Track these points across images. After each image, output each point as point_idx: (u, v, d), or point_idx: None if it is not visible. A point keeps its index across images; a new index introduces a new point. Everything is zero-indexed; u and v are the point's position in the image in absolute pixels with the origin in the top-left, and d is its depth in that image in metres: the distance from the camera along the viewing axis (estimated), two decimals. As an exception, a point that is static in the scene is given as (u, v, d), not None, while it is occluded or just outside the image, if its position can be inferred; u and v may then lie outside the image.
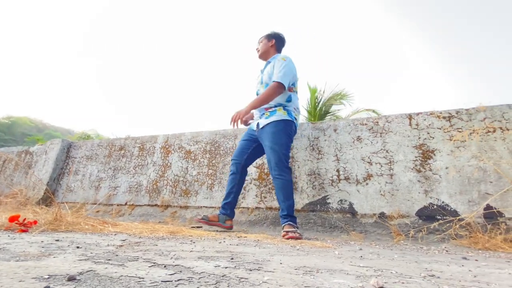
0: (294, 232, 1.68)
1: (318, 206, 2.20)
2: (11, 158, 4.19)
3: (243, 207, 2.43)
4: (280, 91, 1.95)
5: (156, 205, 2.82)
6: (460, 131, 2.01)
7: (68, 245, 0.85)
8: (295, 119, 2.05)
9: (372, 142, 2.22)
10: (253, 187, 2.48)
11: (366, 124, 2.29)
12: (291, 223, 1.76)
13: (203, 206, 2.59)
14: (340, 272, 0.69)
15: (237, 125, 1.95)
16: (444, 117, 2.09)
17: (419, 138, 2.10)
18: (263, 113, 2.04)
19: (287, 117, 1.98)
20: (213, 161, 2.75)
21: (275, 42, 2.22)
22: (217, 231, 1.96)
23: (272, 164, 1.88)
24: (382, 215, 2.01)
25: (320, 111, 8.24)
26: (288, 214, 1.79)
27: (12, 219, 1.17)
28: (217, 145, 2.81)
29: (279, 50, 2.24)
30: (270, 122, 1.96)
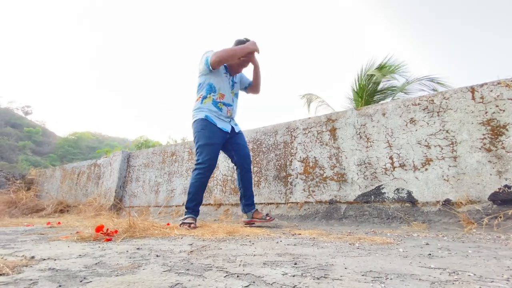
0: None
1: (372, 197, 2.10)
2: (83, 171, 4.82)
3: (292, 202, 2.45)
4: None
5: (209, 204, 2.99)
6: (539, 100, 1.72)
7: (149, 254, 0.96)
8: None
9: (428, 123, 2.03)
10: (299, 181, 2.47)
11: (419, 104, 2.10)
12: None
13: (209, 204, 2.67)
14: (411, 278, 0.66)
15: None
16: (516, 86, 1.80)
17: (486, 113, 1.85)
18: (231, 120, 2.20)
19: None
20: (257, 159, 2.81)
21: None
22: (269, 227, 2.01)
23: (250, 159, 2.23)
24: (447, 202, 1.84)
25: (367, 91, 7.73)
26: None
27: (98, 229, 1.36)
28: (258, 142, 2.85)
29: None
30: (240, 131, 2.28)
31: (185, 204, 2.05)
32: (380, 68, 7.27)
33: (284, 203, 2.49)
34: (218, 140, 2.06)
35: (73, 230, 1.88)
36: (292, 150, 2.60)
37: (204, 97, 2.12)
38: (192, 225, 1.88)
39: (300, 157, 2.53)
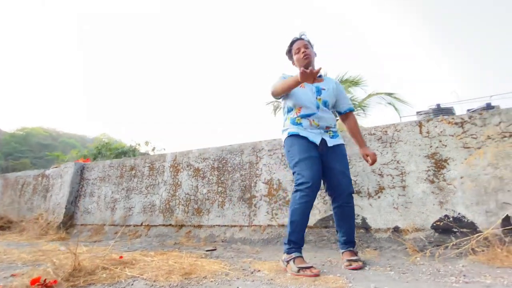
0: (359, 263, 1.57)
1: (331, 222, 2.18)
2: (29, 182, 4.35)
3: (255, 225, 2.45)
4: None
5: (170, 225, 2.88)
6: (474, 138, 1.93)
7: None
8: None
9: (382, 153, 2.16)
10: (263, 203, 2.48)
11: (374, 134, 2.23)
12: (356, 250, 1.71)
13: (216, 225, 2.63)
14: None
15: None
16: (456, 123, 2.00)
17: (431, 146, 2.03)
18: (322, 131, 1.74)
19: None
20: (222, 178, 2.77)
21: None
22: (230, 259, 1.98)
23: (349, 189, 1.71)
24: (396, 229, 1.98)
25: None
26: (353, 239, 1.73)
27: (33, 282, 1.22)
28: (224, 161, 2.82)
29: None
30: (340, 144, 1.75)
31: (287, 237, 1.62)
32: (344, 81, 7.67)
33: (247, 226, 2.48)
34: (313, 152, 1.66)
35: (8, 268, 1.67)
36: (257, 171, 2.60)
37: (285, 119, 1.85)
38: (314, 271, 1.43)
39: (265, 179, 2.55)
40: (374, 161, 1.77)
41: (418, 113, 16.20)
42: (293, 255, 1.54)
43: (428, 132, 2.06)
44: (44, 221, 3.56)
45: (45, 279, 1.25)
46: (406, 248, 1.85)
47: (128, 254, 2.11)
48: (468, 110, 15.02)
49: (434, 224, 1.88)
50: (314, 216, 2.24)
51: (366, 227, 2.06)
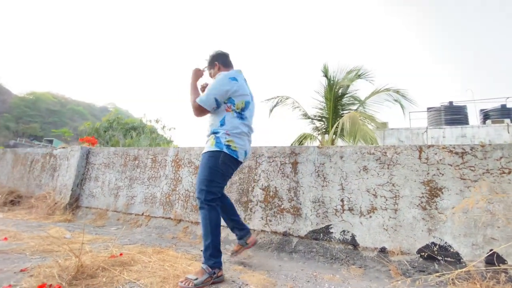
0: (189, 283, 1.54)
1: (321, 234, 2.27)
2: (38, 159, 4.51)
3: (250, 229, 2.55)
4: (196, 112, 1.85)
5: (169, 218, 3.01)
6: (472, 170, 1.93)
7: None
8: (228, 146, 1.79)
9: (378, 174, 2.19)
10: (259, 209, 2.57)
11: (373, 154, 2.24)
12: (204, 266, 1.65)
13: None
14: None
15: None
16: (456, 153, 1.99)
17: (428, 173, 2.04)
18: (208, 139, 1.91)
19: (214, 148, 1.78)
20: (222, 179, 2.83)
21: (220, 63, 2.04)
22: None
23: (198, 186, 1.80)
24: (383, 250, 2.05)
25: (335, 93, 7.94)
26: (203, 254, 1.70)
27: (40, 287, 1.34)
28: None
29: (227, 66, 2.06)
30: (206, 152, 1.83)
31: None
32: (349, 72, 7.46)
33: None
34: None
35: (17, 260, 1.81)
36: (255, 177, 2.66)
37: None
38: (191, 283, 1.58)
39: (262, 185, 2.61)
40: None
41: (429, 109, 15.81)
42: None
43: (427, 159, 2.07)
44: (51, 200, 3.74)
45: (51, 285, 1.37)
46: (390, 270, 1.93)
47: (128, 248, 2.25)
48: (482, 110, 14.58)
49: (420, 250, 1.95)
50: (306, 227, 2.33)
51: (355, 244, 2.14)
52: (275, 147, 2.67)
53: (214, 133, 1.84)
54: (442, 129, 12.41)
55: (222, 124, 1.83)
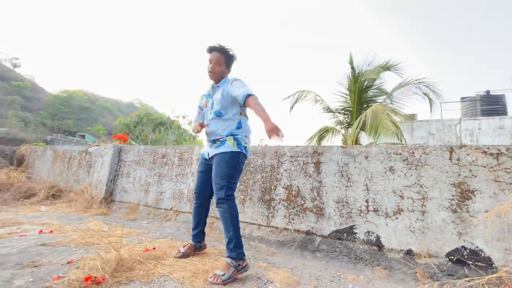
0: (218, 278, 1.64)
1: (345, 234, 2.27)
2: (75, 156, 4.86)
3: (273, 226, 2.62)
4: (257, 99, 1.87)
5: (196, 213, 3.14)
6: (508, 172, 1.83)
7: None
8: (245, 148, 1.96)
9: (405, 175, 2.14)
10: (281, 207, 2.61)
11: (400, 154, 2.19)
12: (229, 260, 1.74)
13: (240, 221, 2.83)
14: None
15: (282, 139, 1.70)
16: (491, 154, 1.90)
17: (459, 175, 1.97)
18: (214, 142, 1.98)
19: (236, 149, 1.89)
20: (244, 177, 2.91)
21: (231, 69, 2.08)
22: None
23: (218, 190, 1.85)
24: (409, 252, 2.02)
25: (360, 86, 7.69)
26: (227, 248, 1.79)
27: (87, 279, 1.49)
28: (247, 161, 2.94)
29: (230, 70, 2.09)
30: (219, 153, 1.90)
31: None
32: (378, 66, 7.16)
33: (265, 226, 2.66)
34: (200, 167, 2.11)
35: (63, 252, 2.01)
36: (277, 176, 2.71)
37: None
38: (178, 254, 2.07)
39: (285, 184, 2.65)
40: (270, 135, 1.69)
41: (462, 99, 14.83)
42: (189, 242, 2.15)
43: (458, 160, 1.99)
44: (88, 195, 4.05)
45: (96, 277, 1.52)
46: (416, 273, 1.91)
47: (160, 242, 2.40)
48: (523, 99, 13.36)
49: (449, 253, 1.90)
50: (330, 227, 2.34)
51: (380, 245, 2.13)
52: (297, 146, 2.68)
53: (232, 135, 1.95)
54: (478, 120, 11.60)
55: (239, 127, 1.98)
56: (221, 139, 1.95)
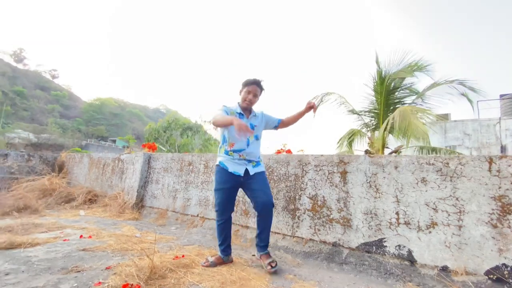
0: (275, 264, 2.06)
1: (374, 247, 2.21)
2: (108, 163, 5.18)
3: (298, 237, 2.60)
4: None
5: (222, 221, 3.21)
6: (558, 185, 1.68)
7: None
8: None
9: (439, 186, 2.04)
10: (306, 217, 2.60)
11: (433, 164, 2.09)
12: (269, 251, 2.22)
13: None
14: None
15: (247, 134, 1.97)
16: (537, 165, 1.75)
17: (500, 188, 1.84)
18: (250, 162, 2.25)
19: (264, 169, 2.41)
20: (269, 186, 2.93)
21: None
22: (273, 274, 2.19)
23: (270, 205, 2.16)
24: (445, 268, 1.92)
25: (387, 87, 7.40)
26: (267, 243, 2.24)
27: (124, 286, 1.60)
28: (270, 170, 2.96)
29: None
30: (260, 171, 2.26)
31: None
32: (408, 66, 6.85)
33: (290, 236, 2.65)
34: (228, 184, 2.18)
35: (102, 258, 2.15)
36: (302, 185, 2.70)
37: (220, 147, 2.31)
38: (206, 263, 2.13)
39: (310, 194, 2.63)
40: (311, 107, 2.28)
41: (502, 96, 13.72)
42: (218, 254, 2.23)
43: (498, 171, 1.86)
44: (121, 200, 4.29)
45: (132, 284, 1.62)
46: (453, 291, 1.81)
47: (188, 249, 2.49)
48: None
49: (488, 272, 1.78)
50: (358, 239, 2.29)
51: (411, 260, 2.04)
52: (322, 155, 2.66)
53: (259, 157, 2.36)
54: (520, 119, 10.68)
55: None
56: (256, 160, 2.28)
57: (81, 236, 2.71)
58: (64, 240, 2.58)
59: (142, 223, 3.69)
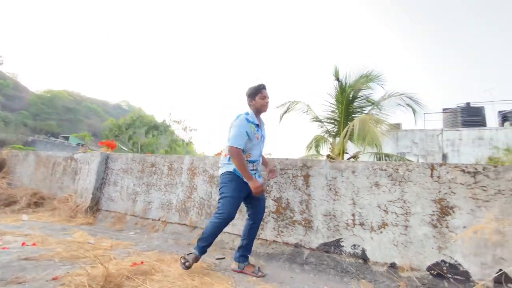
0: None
1: (332, 247, 2.33)
2: (59, 162, 4.74)
3: (262, 239, 2.64)
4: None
5: (185, 224, 3.13)
6: (484, 190, 1.95)
7: None
8: None
9: (390, 190, 2.23)
10: (271, 219, 2.65)
11: (385, 170, 2.28)
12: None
13: (226, 232, 2.85)
14: None
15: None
16: (469, 172, 2.02)
17: (439, 192, 2.07)
18: (256, 172, 2.29)
19: None
20: (235, 189, 2.93)
21: None
22: (236, 280, 2.19)
23: (262, 212, 2.31)
24: (393, 265, 2.10)
25: (347, 96, 7.90)
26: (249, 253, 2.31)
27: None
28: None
29: None
30: (264, 181, 2.44)
31: (198, 239, 2.17)
32: (361, 76, 7.41)
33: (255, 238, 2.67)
34: (242, 193, 2.18)
35: (47, 267, 1.96)
36: (268, 188, 2.75)
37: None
38: (187, 264, 2.06)
39: (274, 196, 2.69)
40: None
41: (444, 110, 15.42)
42: (192, 252, 2.13)
43: (439, 177, 2.10)
44: (73, 203, 3.95)
45: (83, 296, 1.50)
46: (399, 286, 1.98)
47: (148, 255, 2.38)
48: (500, 112, 14.12)
49: (430, 267, 1.99)
50: (318, 240, 2.40)
51: (365, 258, 2.20)
52: (287, 159, 2.74)
53: None
54: (459, 131, 12.12)
55: None
56: (260, 170, 2.36)
57: (23, 244, 2.43)
58: (3, 248, 2.29)
59: (97, 228, 3.43)
